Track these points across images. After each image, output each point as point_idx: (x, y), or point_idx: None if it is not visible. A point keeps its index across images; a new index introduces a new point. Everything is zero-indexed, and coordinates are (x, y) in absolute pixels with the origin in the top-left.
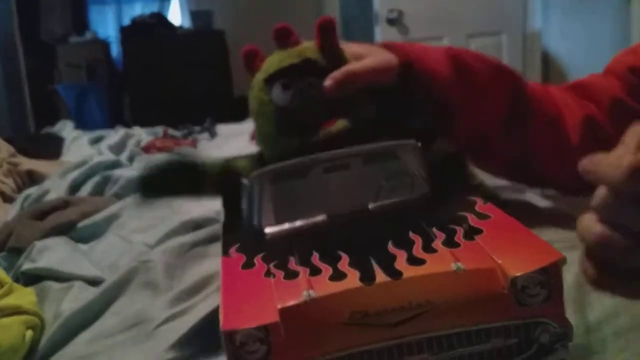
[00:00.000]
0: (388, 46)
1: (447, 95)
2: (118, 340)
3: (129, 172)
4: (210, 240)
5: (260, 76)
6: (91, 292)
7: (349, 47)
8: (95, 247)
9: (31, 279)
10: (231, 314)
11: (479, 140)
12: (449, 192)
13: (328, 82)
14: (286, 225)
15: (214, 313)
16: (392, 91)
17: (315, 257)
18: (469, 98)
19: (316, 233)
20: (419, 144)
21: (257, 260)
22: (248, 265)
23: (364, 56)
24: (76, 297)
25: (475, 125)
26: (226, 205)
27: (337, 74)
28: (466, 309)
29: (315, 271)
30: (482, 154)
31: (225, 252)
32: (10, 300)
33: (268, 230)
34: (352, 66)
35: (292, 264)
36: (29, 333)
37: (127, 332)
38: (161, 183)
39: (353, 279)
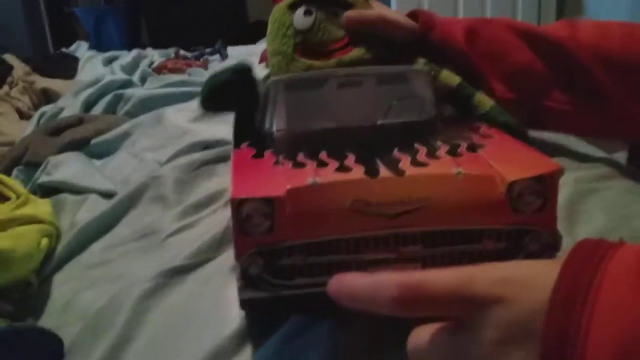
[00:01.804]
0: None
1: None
2: (130, 249)
3: (141, 91)
4: (219, 159)
5: (285, 1)
6: (105, 205)
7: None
8: (108, 163)
9: (47, 191)
10: (241, 187)
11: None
12: (456, 117)
13: (346, 15)
14: (298, 129)
15: (221, 226)
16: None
17: (323, 154)
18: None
19: (325, 137)
20: (431, 72)
21: (267, 152)
22: (258, 156)
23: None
24: (90, 209)
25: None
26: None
27: (353, 13)
28: (462, 210)
29: (322, 164)
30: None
31: (236, 146)
32: (26, 211)
33: (280, 132)
34: (369, 12)
35: (301, 157)
36: (45, 241)
37: (139, 242)
38: (224, 96)
39: (358, 172)
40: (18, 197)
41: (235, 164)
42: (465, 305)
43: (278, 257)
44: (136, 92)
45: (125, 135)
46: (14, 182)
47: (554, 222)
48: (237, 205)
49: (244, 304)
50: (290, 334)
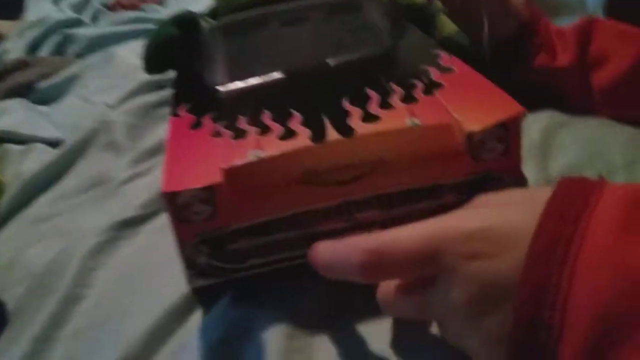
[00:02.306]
0: None
1: None
2: (79, 200)
3: (91, 30)
4: None
5: None
6: (52, 154)
7: None
8: (56, 109)
9: None
10: (173, 176)
11: None
12: (413, 46)
13: None
14: (240, 83)
15: None
16: None
17: (267, 116)
18: None
19: (270, 91)
20: None
21: (206, 120)
22: (196, 125)
23: None
24: (36, 159)
25: None
26: (180, 63)
27: None
28: (419, 166)
29: (264, 130)
30: None
31: (173, 113)
32: None
33: (221, 88)
34: None
35: (242, 123)
36: None
37: (88, 193)
38: (168, 55)
39: (303, 137)
40: None
41: (170, 140)
42: (434, 265)
43: (225, 242)
44: (86, 32)
45: (74, 78)
46: None
47: (519, 166)
48: (172, 198)
49: (196, 292)
50: (241, 295)
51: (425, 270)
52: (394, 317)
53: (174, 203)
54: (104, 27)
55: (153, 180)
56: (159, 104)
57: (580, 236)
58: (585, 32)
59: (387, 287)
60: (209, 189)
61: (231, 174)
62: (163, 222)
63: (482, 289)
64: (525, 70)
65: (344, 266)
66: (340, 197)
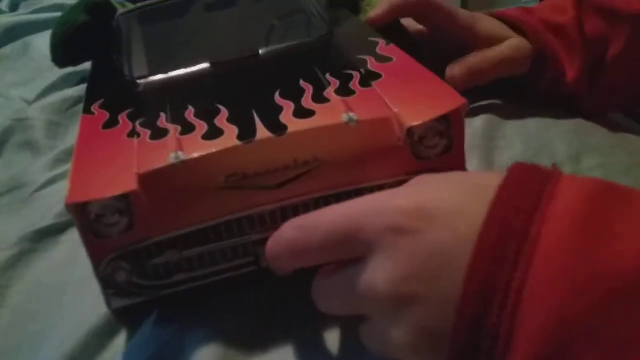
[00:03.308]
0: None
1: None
2: None
3: (7, 19)
4: None
5: None
6: None
7: None
8: None
9: None
10: (82, 184)
11: None
12: (349, 33)
13: None
14: (161, 75)
15: None
16: None
17: (190, 112)
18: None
19: (195, 84)
20: None
21: (122, 117)
22: (110, 124)
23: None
24: None
25: None
26: (94, 54)
27: None
28: (358, 165)
29: (187, 129)
30: None
31: (86, 110)
32: None
33: (139, 81)
34: None
35: (162, 121)
36: None
37: (3, 199)
38: (81, 44)
39: (230, 136)
40: None
41: (80, 141)
42: (357, 242)
43: (147, 257)
44: (1, 20)
45: None
46: None
47: (463, 163)
48: (80, 209)
49: (118, 313)
50: (168, 314)
51: (349, 248)
52: (327, 313)
53: (83, 215)
54: (21, 14)
55: None
56: (81, 100)
57: (536, 231)
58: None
59: (321, 277)
60: (124, 198)
61: (149, 179)
62: None
63: (410, 268)
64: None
65: (279, 249)
66: (274, 202)
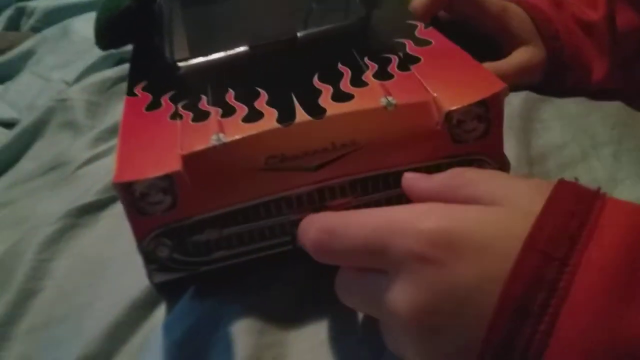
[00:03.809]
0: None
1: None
2: (36, 185)
3: (47, 2)
4: None
5: None
6: (7, 135)
7: None
8: (10, 87)
9: None
10: (128, 164)
11: None
12: (388, 17)
13: None
14: (201, 58)
15: None
16: None
17: (231, 95)
18: None
19: (235, 67)
20: None
21: (165, 100)
22: (153, 106)
23: None
24: None
25: None
26: (136, 36)
27: None
28: (395, 148)
29: (228, 111)
30: None
31: (129, 92)
32: None
33: (181, 64)
34: None
35: (204, 103)
36: None
37: (46, 176)
38: (124, 28)
39: (270, 119)
40: None
41: (124, 122)
42: (381, 259)
43: (188, 234)
44: (41, 4)
45: (29, 53)
46: None
47: (501, 147)
48: (127, 187)
49: (159, 287)
50: (206, 289)
51: (372, 262)
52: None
53: (129, 194)
54: None
55: (113, 163)
56: (120, 80)
57: (566, 283)
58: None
59: (345, 272)
60: (168, 178)
61: (191, 160)
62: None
63: (432, 299)
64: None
65: (303, 242)
66: (311, 183)
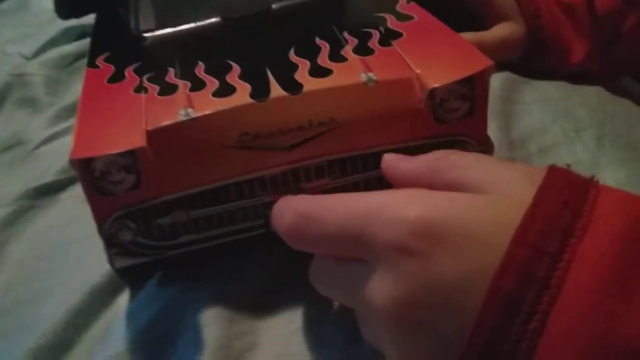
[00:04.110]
0: None
1: None
2: None
3: None
4: None
5: None
6: None
7: None
8: None
9: None
10: (87, 139)
11: None
12: None
13: None
14: (170, 29)
15: None
16: None
17: (200, 68)
18: None
19: (206, 39)
20: None
21: (129, 72)
22: (116, 78)
23: None
24: None
25: None
26: (99, 5)
27: None
28: (375, 127)
29: (197, 85)
30: None
31: (90, 63)
32: None
33: (147, 35)
34: None
35: (171, 76)
36: None
37: (2, 155)
38: None
39: (242, 94)
40: None
41: (84, 94)
42: (359, 248)
43: (153, 216)
44: None
45: None
46: None
47: (484, 128)
48: (85, 164)
49: (122, 273)
50: (173, 275)
51: (350, 250)
52: (324, 295)
53: (88, 172)
54: None
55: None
56: (81, 55)
57: (559, 279)
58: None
59: (320, 260)
60: (131, 154)
61: (157, 136)
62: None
63: (413, 292)
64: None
65: (278, 226)
66: (286, 163)
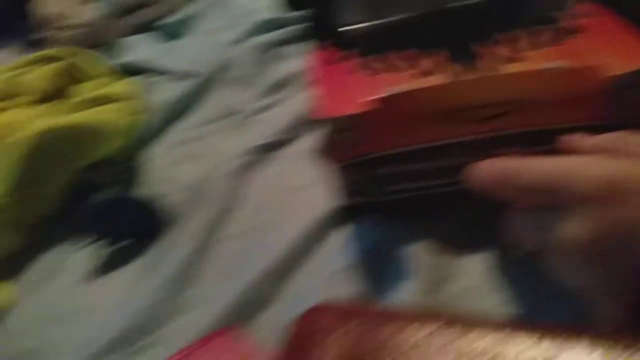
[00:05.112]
0: None
1: None
2: (213, 128)
3: None
4: (294, 39)
5: None
6: (182, 86)
7: None
8: (182, 44)
9: (122, 72)
10: (323, 103)
11: None
12: None
13: None
14: (371, 23)
15: (302, 107)
16: None
17: (407, 54)
18: None
19: (399, 31)
20: None
21: (349, 55)
22: (337, 60)
23: None
24: (167, 90)
25: None
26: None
27: None
28: (558, 108)
29: (403, 67)
30: None
31: (317, 47)
32: (110, 89)
33: (348, 28)
34: None
35: (382, 60)
36: (128, 119)
37: (221, 121)
38: None
39: (443, 73)
40: (98, 76)
41: (314, 70)
42: (556, 197)
43: (373, 167)
44: None
45: (197, 15)
46: (92, 62)
47: None
48: (326, 122)
49: (346, 210)
50: (386, 216)
51: (549, 199)
52: (516, 241)
53: (330, 127)
54: None
55: (283, 112)
56: (278, 43)
57: None
58: None
59: (517, 210)
60: (358, 117)
61: (378, 104)
62: (298, 148)
63: (603, 231)
64: None
65: (488, 175)
66: (479, 133)
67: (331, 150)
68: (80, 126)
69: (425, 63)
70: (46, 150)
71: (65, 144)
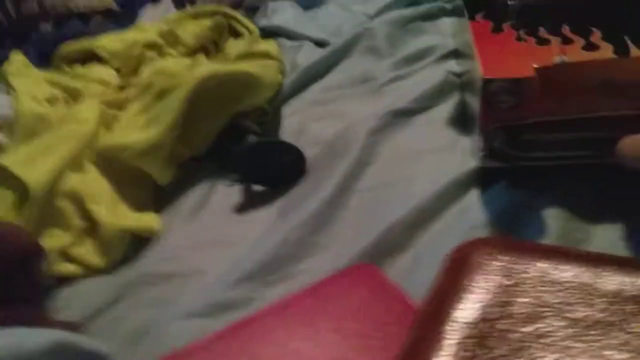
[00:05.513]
0: None
1: None
2: (348, 92)
3: None
4: (428, 16)
5: None
6: (320, 52)
7: None
8: (319, 13)
9: (266, 34)
10: (489, 66)
11: None
12: None
13: None
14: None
15: (437, 79)
16: None
17: (566, 29)
18: None
19: (567, 6)
20: None
21: (506, 27)
22: (496, 30)
23: None
24: (306, 54)
25: None
26: None
27: None
28: None
29: (566, 41)
30: None
31: (471, 18)
32: (261, 47)
33: (513, 2)
34: None
35: (542, 33)
36: (277, 75)
37: (355, 87)
38: None
39: (606, 50)
40: (249, 35)
41: (477, 38)
42: None
43: (521, 132)
44: None
45: None
46: (245, 19)
47: None
48: (485, 83)
49: (484, 172)
50: (522, 181)
51: None
52: None
53: (486, 89)
54: None
55: (417, 82)
56: (414, 19)
57: None
58: None
59: None
60: (519, 82)
61: (540, 72)
62: (428, 118)
63: None
64: None
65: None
66: (634, 108)
67: (485, 113)
68: (239, 75)
69: (581, 40)
70: (207, 94)
71: (225, 90)
